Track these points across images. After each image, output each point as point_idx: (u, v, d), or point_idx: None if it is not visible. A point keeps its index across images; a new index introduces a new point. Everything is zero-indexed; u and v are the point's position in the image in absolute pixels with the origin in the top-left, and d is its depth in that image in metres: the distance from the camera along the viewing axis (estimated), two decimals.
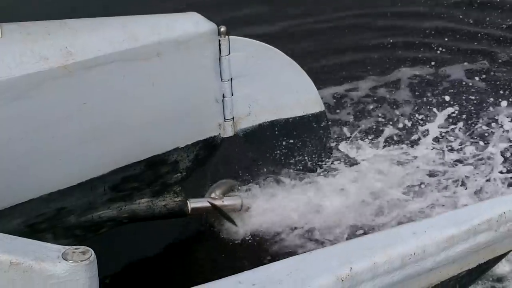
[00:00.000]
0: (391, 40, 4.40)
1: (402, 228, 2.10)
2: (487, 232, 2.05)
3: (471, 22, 4.56)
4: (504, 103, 3.71)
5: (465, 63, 4.16)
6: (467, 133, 3.54)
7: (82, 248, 1.50)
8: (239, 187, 3.03)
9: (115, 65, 2.49)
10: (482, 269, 2.22)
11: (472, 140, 3.49)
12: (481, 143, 3.47)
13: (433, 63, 4.16)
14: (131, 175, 2.69)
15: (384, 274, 1.84)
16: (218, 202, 2.93)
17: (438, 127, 3.55)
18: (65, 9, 3.95)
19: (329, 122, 3.10)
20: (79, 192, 2.56)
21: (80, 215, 2.65)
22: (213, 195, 2.94)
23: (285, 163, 3.02)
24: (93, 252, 1.49)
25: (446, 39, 4.40)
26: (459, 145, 3.46)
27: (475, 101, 3.79)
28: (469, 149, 3.42)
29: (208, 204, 2.93)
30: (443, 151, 3.41)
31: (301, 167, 3.04)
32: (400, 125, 3.61)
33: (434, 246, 1.94)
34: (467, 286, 2.40)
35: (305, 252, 1.96)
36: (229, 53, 2.73)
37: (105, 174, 2.61)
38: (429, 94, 3.88)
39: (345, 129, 3.56)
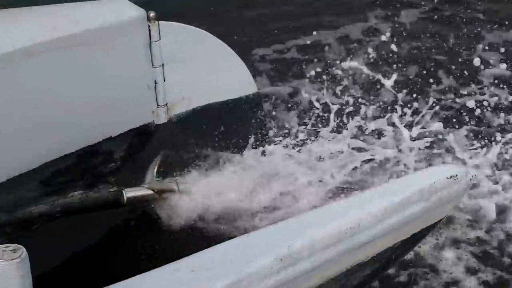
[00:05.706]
0: None
1: (338, 203, 2.14)
2: (419, 203, 2.10)
3: None
4: None
5: None
6: None
7: (13, 246, 1.45)
8: (171, 160, 2.99)
9: (42, 56, 2.42)
10: (416, 239, 2.28)
11: None
12: None
13: None
14: (62, 168, 2.63)
15: (321, 250, 1.86)
16: (154, 187, 2.89)
17: None
18: None
19: (263, 103, 3.11)
20: (8, 188, 2.49)
21: (10, 212, 2.57)
22: (148, 180, 2.90)
23: (221, 146, 3.02)
24: (24, 249, 1.45)
25: None
26: None
27: None
28: None
29: (144, 192, 2.87)
30: None
31: (237, 149, 3.05)
32: None
33: (369, 218, 1.98)
34: (402, 256, 2.47)
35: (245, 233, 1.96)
36: (160, 39, 2.70)
37: (36, 169, 2.55)
38: None
39: None
